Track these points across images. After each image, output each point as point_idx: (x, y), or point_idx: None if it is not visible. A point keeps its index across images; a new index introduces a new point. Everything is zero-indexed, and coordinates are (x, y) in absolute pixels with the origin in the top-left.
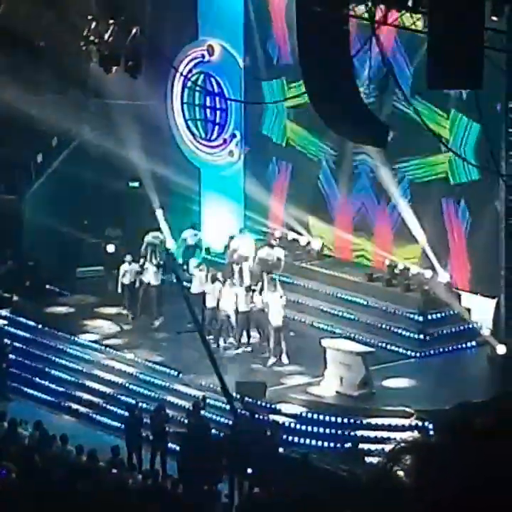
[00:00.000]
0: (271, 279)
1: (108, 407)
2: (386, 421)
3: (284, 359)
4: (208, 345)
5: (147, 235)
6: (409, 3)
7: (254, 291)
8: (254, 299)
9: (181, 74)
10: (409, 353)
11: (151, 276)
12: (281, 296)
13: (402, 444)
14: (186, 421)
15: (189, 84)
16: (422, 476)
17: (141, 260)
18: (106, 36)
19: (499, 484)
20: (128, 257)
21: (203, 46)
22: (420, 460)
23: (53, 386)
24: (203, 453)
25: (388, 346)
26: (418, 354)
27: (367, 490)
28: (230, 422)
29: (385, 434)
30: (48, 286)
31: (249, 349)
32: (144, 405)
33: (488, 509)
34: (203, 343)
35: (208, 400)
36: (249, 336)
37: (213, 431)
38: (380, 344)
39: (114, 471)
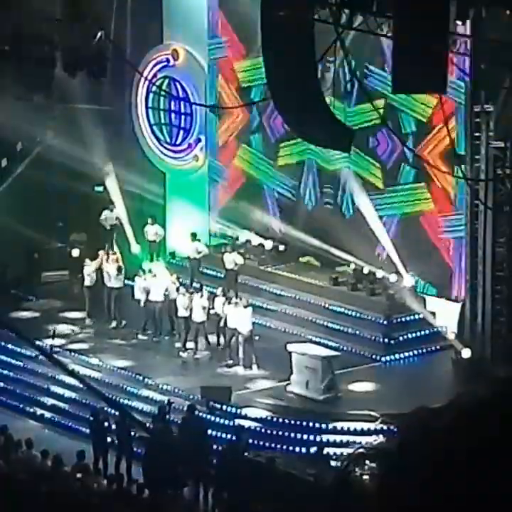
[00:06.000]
0: (235, 286)
1: (73, 412)
2: (351, 425)
3: (255, 369)
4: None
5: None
6: (374, 8)
7: (216, 297)
8: (217, 308)
9: (146, 78)
10: (374, 357)
11: (112, 279)
12: (245, 306)
13: (362, 448)
14: (151, 425)
15: (154, 88)
16: (383, 480)
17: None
18: (70, 40)
19: (459, 486)
20: (87, 261)
21: (168, 50)
22: (380, 463)
23: (18, 391)
24: (168, 457)
25: (353, 350)
26: (383, 358)
27: (328, 494)
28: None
29: (350, 438)
30: (13, 291)
31: (208, 354)
32: (109, 410)
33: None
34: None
35: (173, 405)
36: (208, 342)
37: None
38: (345, 348)
39: (80, 475)
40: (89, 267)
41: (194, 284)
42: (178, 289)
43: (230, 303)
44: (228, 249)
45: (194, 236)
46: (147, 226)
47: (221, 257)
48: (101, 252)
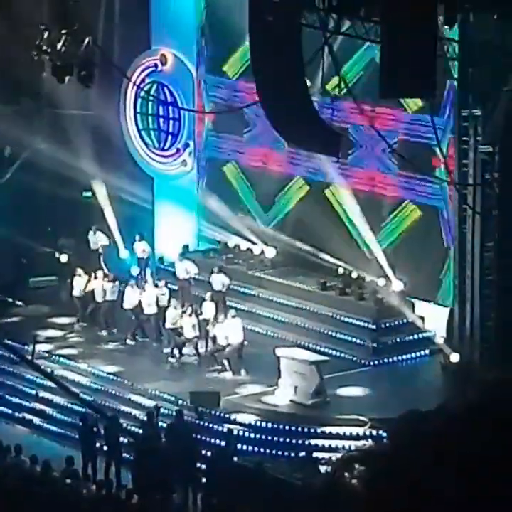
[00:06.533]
0: (224, 306)
1: (62, 417)
2: (340, 429)
3: (243, 374)
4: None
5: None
6: (362, 13)
7: (204, 301)
8: (205, 314)
9: (134, 83)
10: (362, 361)
11: (107, 292)
12: (233, 316)
13: (352, 452)
14: (140, 431)
15: (142, 93)
16: (372, 483)
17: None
18: (58, 46)
19: (449, 489)
20: (79, 271)
21: (156, 55)
22: (369, 467)
23: (7, 397)
24: (157, 463)
25: (342, 355)
26: (372, 363)
27: (318, 497)
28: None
29: (339, 442)
30: (0, 296)
31: (196, 359)
32: (98, 415)
33: None
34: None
35: (161, 410)
36: (197, 351)
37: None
38: (333, 353)
39: (69, 481)
40: (80, 281)
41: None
42: (169, 300)
43: (217, 321)
44: (215, 270)
45: (183, 255)
46: (135, 243)
47: (208, 279)
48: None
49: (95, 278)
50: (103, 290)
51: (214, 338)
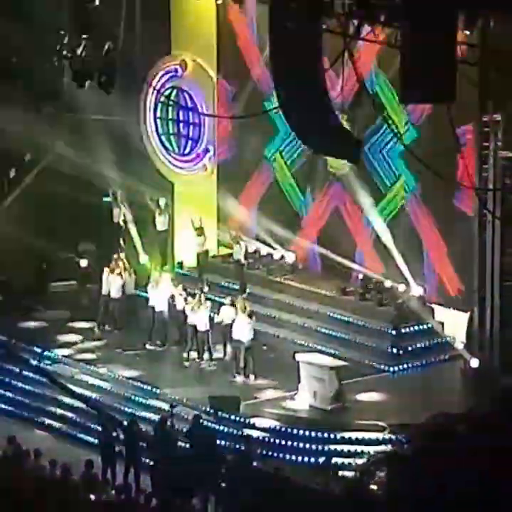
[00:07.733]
0: (244, 297)
1: (81, 421)
2: (359, 435)
3: (251, 378)
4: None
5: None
6: (382, 18)
7: (223, 305)
8: (224, 318)
9: (154, 88)
10: (382, 367)
11: (115, 289)
12: (251, 315)
13: (375, 458)
14: (154, 434)
15: (162, 98)
16: (393, 488)
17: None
18: (78, 51)
19: (470, 492)
20: (105, 269)
21: (176, 60)
22: (392, 472)
23: (27, 401)
24: (176, 467)
25: (361, 360)
26: (391, 368)
27: (340, 503)
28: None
29: (358, 448)
30: (21, 301)
31: (213, 364)
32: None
33: None
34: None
35: (180, 414)
36: (210, 352)
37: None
38: (353, 358)
39: (88, 485)
40: (108, 275)
41: (202, 284)
42: (185, 299)
43: (232, 305)
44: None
45: (201, 230)
46: (156, 217)
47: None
48: (115, 256)
49: (116, 265)
50: (120, 274)
51: (230, 332)
